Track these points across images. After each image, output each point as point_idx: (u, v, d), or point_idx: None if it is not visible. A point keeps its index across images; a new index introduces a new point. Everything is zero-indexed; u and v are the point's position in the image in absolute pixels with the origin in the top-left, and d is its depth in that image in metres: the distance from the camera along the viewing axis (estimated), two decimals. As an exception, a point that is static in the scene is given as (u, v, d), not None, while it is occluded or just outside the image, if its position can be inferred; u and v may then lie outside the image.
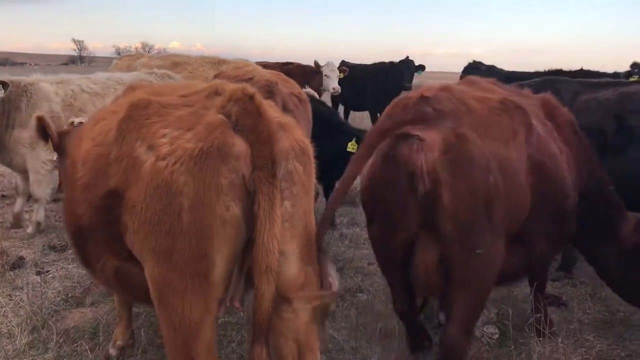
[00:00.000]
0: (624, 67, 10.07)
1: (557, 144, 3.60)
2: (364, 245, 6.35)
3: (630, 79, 8.17)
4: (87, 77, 7.38)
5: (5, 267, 5.41)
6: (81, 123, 4.62)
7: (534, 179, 3.28)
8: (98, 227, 2.67)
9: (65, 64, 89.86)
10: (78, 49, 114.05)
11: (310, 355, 2.61)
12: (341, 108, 14.95)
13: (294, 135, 2.57)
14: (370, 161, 3.25)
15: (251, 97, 2.48)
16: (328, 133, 6.29)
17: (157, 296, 2.42)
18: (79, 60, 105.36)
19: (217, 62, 10.31)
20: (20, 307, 4.52)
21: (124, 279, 2.81)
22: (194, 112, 2.49)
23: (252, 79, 5.10)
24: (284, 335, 2.57)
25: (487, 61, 11.74)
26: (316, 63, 12.01)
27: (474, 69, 11.31)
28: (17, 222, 6.83)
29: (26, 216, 7.00)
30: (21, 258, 5.68)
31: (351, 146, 6.31)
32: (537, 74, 9.30)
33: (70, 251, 5.53)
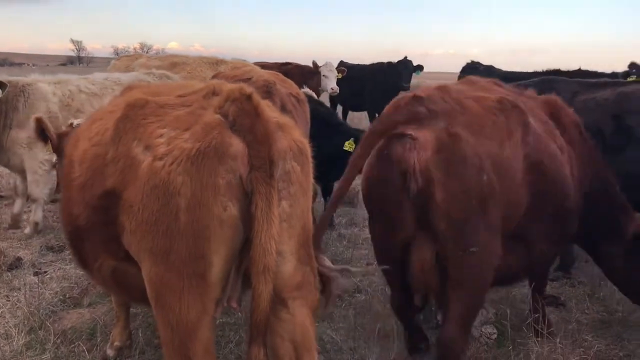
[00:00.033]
0: (622, 67, 10.09)
1: (558, 144, 3.60)
2: (362, 245, 6.35)
3: (628, 79, 8.16)
4: (84, 77, 7.37)
5: (3, 267, 5.39)
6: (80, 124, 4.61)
7: (531, 178, 3.28)
8: (95, 228, 2.66)
9: (64, 64, 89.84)
10: (76, 49, 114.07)
11: (307, 356, 2.60)
12: (339, 108, 14.96)
13: (292, 135, 2.57)
14: (367, 161, 3.29)
15: (249, 97, 2.47)
16: (326, 133, 6.29)
17: (154, 296, 2.41)
18: (78, 61, 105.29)
19: (215, 62, 10.30)
20: (17, 307, 4.50)
21: (121, 280, 2.81)
22: (191, 112, 2.48)
23: (250, 79, 5.08)
24: (281, 335, 2.57)
25: (485, 61, 11.76)
26: (314, 63, 12.00)
27: (472, 69, 11.31)
28: (15, 223, 6.82)
29: (24, 217, 6.99)
30: (19, 259, 5.67)
31: (348, 145, 6.30)
32: (535, 74, 9.31)
33: (68, 252, 5.52)
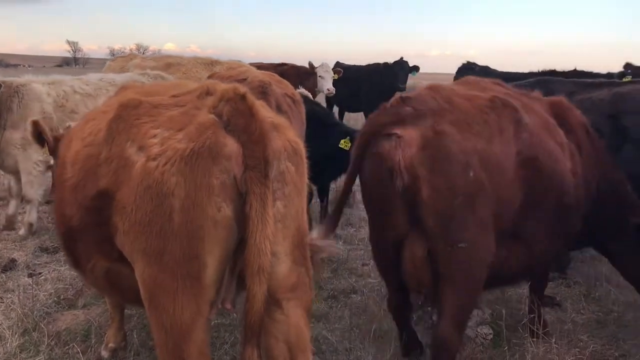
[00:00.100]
0: (618, 68, 10.12)
1: (558, 141, 3.61)
2: (358, 246, 6.35)
3: (624, 79, 8.19)
4: (79, 78, 7.34)
5: (-3, 269, 5.36)
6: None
7: (525, 173, 3.30)
8: (88, 228, 2.64)
9: (60, 65, 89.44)
10: (72, 50, 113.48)
11: (302, 357, 2.58)
12: (336, 109, 14.95)
13: (287, 135, 2.56)
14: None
15: (243, 97, 2.46)
16: (322, 133, 6.29)
17: (148, 298, 2.40)
18: (74, 62, 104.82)
19: (210, 63, 10.29)
20: (11, 309, 4.48)
21: (114, 281, 2.79)
22: (185, 112, 2.47)
23: (245, 79, 5.08)
24: (275, 336, 2.55)
25: (482, 62, 11.79)
26: (310, 64, 11.99)
27: (468, 69, 11.33)
28: (10, 224, 6.78)
29: (19, 218, 6.95)
30: (13, 260, 5.64)
31: (344, 143, 6.31)
32: (531, 74, 9.33)
33: (62, 253, 5.49)
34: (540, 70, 9.88)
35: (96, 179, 2.51)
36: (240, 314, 3.30)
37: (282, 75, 6.70)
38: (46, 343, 3.97)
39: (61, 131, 5.14)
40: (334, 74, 12.03)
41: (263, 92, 4.79)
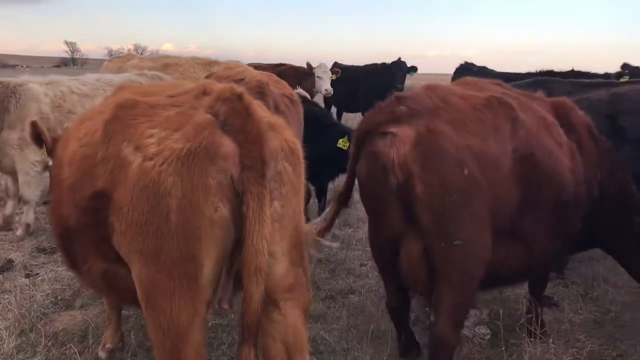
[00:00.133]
0: (615, 68, 10.15)
1: (557, 140, 3.61)
2: (355, 246, 6.34)
3: (621, 80, 8.20)
4: (76, 78, 7.32)
5: (-6, 270, 5.34)
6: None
7: (522, 170, 3.30)
8: (85, 229, 2.63)
9: (58, 66, 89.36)
10: (70, 51, 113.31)
11: (299, 357, 2.58)
12: (334, 109, 14.95)
13: (284, 135, 2.55)
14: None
15: (240, 97, 2.46)
16: (320, 133, 6.29)
17: (145, 298, 2.39)
18: (72, 63, 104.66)
19: (208, 63, 10.26)
20: (8, 310, 4.46)
21: (111, 281, 2.78)
22: (181, 112, 2.46)
23: (243, 79, 5.08)
24: (272, 336, 2.55)
25: (480, 63, 11.80)
26: (308, 64, 11.99)
27: (466, 70, 11.35)
28: (7, 225, 6.77)
29: (16, 218, 6.94)
30: (10, 261, 5.63)
31: (342, 142, 6.31)
32: (529, 74, 9.34)
33: (60, 254, 5.48)
34: (538, 71, 9.90)
35: (93, 179, 2.50)
36: (237, 314, 3.31)
37: (280, 75, 6.69)
38: (43, 344, 3.95)
39: (60, 132, 5.13)
40: (332, 74, 12.04)
41: (261, 92, 4.79)
